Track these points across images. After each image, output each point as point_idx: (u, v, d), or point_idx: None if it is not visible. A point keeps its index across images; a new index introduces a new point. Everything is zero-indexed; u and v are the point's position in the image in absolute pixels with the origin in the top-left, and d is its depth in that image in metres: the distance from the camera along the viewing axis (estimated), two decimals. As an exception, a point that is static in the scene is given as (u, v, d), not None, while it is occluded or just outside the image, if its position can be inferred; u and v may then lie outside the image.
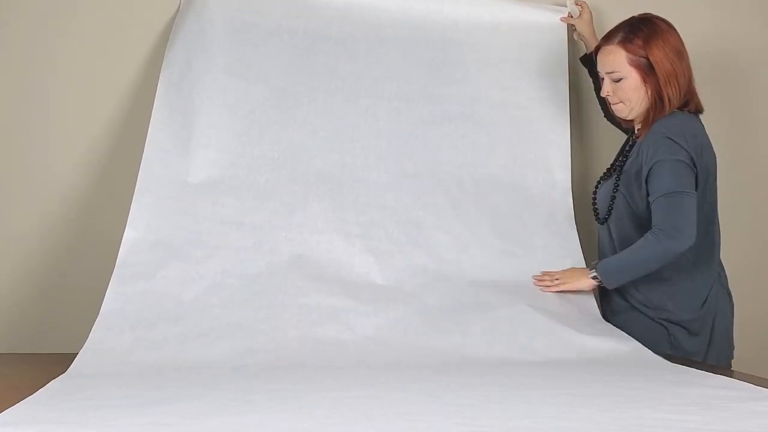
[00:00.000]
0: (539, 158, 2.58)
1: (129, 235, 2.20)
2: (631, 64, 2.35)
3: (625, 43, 2.35)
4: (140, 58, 2.55)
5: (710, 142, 2.38)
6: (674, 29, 2.38)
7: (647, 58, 2.33)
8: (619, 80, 2.37)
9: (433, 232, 2.42)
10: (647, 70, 2.34)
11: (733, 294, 2.47)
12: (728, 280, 2.47)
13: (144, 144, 2.31)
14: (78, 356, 1.92)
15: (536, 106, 2.61)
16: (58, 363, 1.94)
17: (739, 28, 2.90)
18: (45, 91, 2.52)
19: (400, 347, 2.10)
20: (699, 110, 2.42)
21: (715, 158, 2.39)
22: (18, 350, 2.43)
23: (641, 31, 2.35)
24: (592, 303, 2.41)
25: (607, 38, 2.40)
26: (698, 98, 2.41)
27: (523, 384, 1.83)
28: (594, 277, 2.37)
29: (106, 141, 2.54)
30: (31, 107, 2.51)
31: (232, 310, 2.13)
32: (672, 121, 2.34)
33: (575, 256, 2.49)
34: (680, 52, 2.36)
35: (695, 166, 2.30)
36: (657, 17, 2.40)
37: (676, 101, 2.35)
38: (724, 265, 2.47)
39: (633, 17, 2.41)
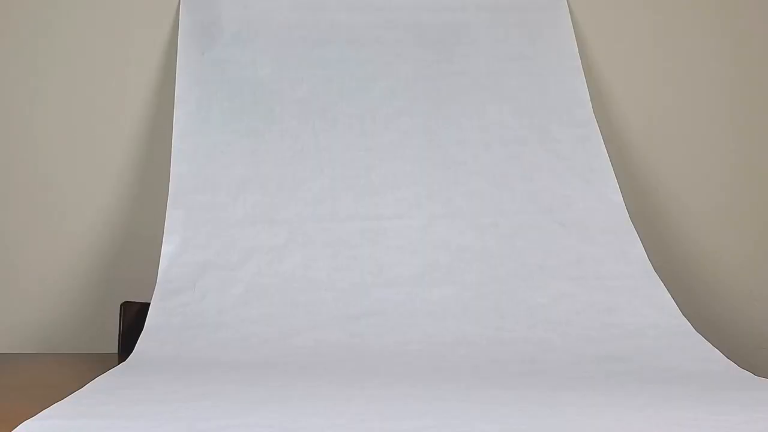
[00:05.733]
0: (564, 114, 2.57)
1: (166, 250, 2.25)
2: None
3: None
4: (147, 61, 2.57)
5: None
6: None
7: None
8: None
9: (467, 199, 2.41)
10: None
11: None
12: None
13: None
14: (123, 363, 1.97)
15: (550, 74, 2.61)
16: (101, 362, 1.99)
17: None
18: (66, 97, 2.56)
19: (438, 334, 2.12)
20: None
21: None
22: (60, 350, 2.48)
23: None
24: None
25: None
26: None
27: (557, 384, 1.84)
28: None
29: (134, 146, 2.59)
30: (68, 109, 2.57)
31: (271, 310, 2.16)
32: None
33: (615, 205, 2.43)
34: None
35: None
36: None
37: None
38: None
39: None
